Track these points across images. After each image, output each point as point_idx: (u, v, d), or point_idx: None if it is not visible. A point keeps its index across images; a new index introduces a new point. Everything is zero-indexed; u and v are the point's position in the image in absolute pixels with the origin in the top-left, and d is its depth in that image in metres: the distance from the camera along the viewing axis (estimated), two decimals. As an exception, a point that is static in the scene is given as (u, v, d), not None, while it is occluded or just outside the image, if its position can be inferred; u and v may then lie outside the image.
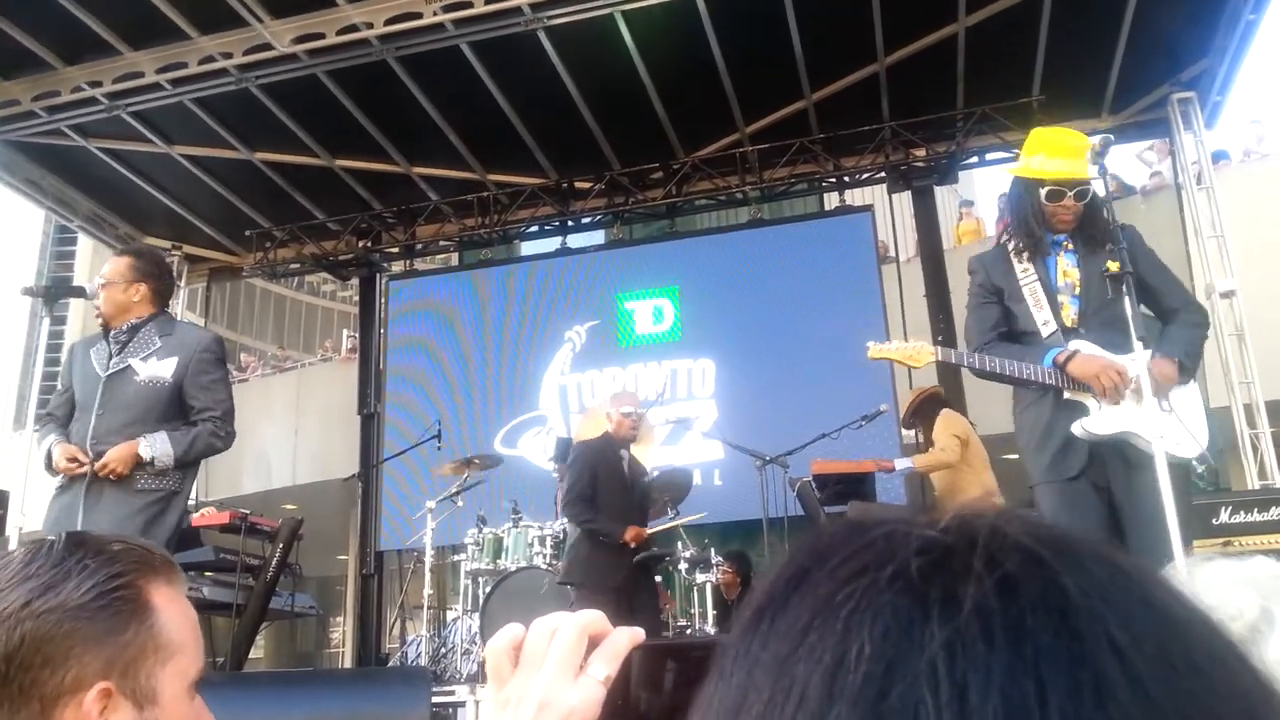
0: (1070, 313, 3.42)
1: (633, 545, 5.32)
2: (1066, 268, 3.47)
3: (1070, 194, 3.41)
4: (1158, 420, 3.19)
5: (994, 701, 0.33)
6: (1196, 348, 3.44)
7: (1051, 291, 3.45)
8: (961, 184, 11.92)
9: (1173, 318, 3.44)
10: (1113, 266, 3.26)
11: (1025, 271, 3.48)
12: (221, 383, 3.80)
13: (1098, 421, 3.28)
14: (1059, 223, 3.46)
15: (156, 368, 3.63)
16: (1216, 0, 6.76)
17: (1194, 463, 3.26)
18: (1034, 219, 3.46)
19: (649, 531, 5.50)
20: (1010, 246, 3.58)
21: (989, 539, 0.38)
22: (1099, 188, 3.39)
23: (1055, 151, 3.47)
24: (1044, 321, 3.42)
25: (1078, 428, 3.29)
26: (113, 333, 3.69)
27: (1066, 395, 3.33)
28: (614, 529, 5.28)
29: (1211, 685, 0.35)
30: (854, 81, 7.70)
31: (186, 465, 3.65)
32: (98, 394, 3.60)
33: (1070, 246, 3.49)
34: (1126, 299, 3.20)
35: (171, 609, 1.10)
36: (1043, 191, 3.43)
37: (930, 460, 6.08)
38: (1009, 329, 3.53)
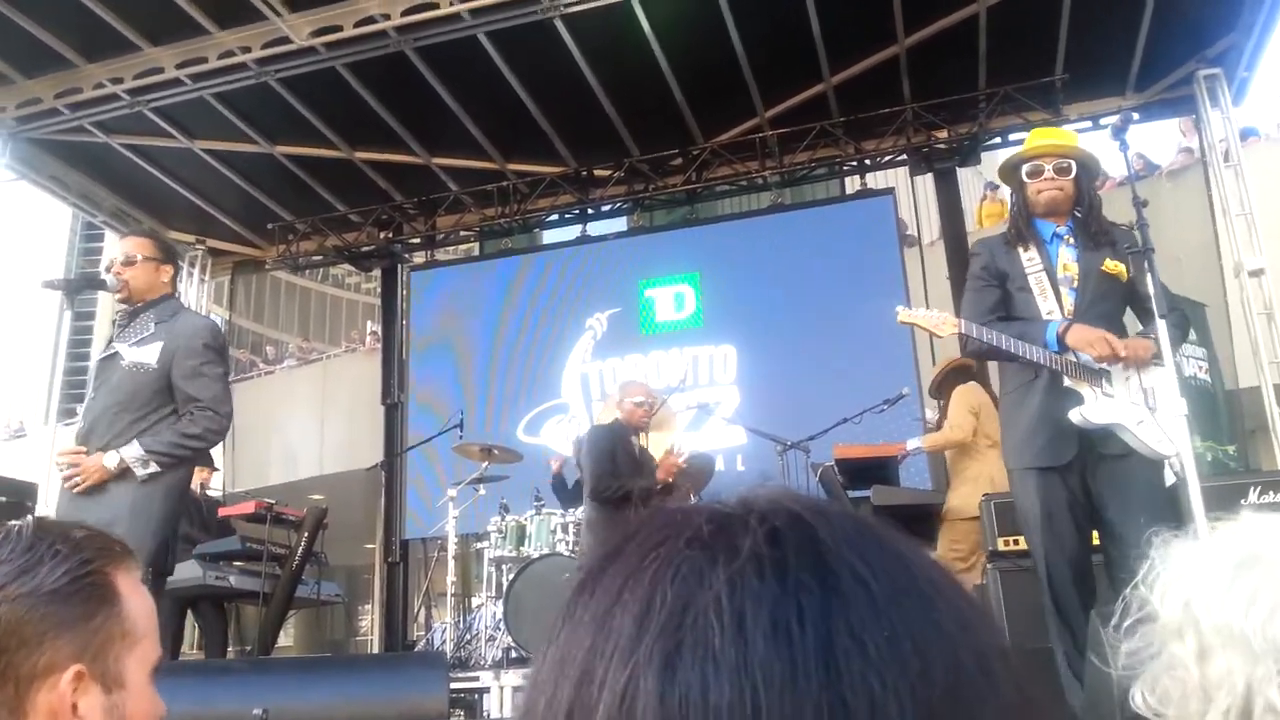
0: (1067, 304, 3.45)
1: (670, 480, 5.66)
2: (1066, 261, 3.50)
3: (1049, 168, 3.44)
4: (1143, 417, 3.27)
5: (764, 623, 0.42)
6: (1174, 339, 3.39)
7: (1054, 281, 3.47)
8: (985, 165, 11.80)
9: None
10: (1110, 267, 3.38)
11: (1031, 260, 3.50)
12: (210, 371, 3.58)
13: (1093, 410, 3.30)
14: (1045, 200, 3.48)
15: (140, 353, 3.51)
16: (1243, -26, 6.66)
17: (1169, 463, 3.22)
18: (1019, 209, 3.53)
19: (680, 460, 5.77)
20: (1005, 236, 3.62)
21: (764, 506, 0.48)
22: (1116, 169, 3.43)
23: (1041, 136, 3.56)
24: (1048, 311, 3.44)
25: (1075, 414, 3.30)
26: (117, 315, 3.63)
27: (1067, 383, 3.34)
28: (648, 481, 5.56)
29: (932, 604, 0.45)
30: (874, 64, 7.63)
31: (169, 462, 3.46)
32: (92, 378, 3.58)
33: (1071, 241, 3.50)
34: (1149, 275, 3.21)
35: (135, 596, 1.13)
36: (1024, 170, 3.49)
37: (938, 440, 5.98)
38: (1007, 314, 3.54)
